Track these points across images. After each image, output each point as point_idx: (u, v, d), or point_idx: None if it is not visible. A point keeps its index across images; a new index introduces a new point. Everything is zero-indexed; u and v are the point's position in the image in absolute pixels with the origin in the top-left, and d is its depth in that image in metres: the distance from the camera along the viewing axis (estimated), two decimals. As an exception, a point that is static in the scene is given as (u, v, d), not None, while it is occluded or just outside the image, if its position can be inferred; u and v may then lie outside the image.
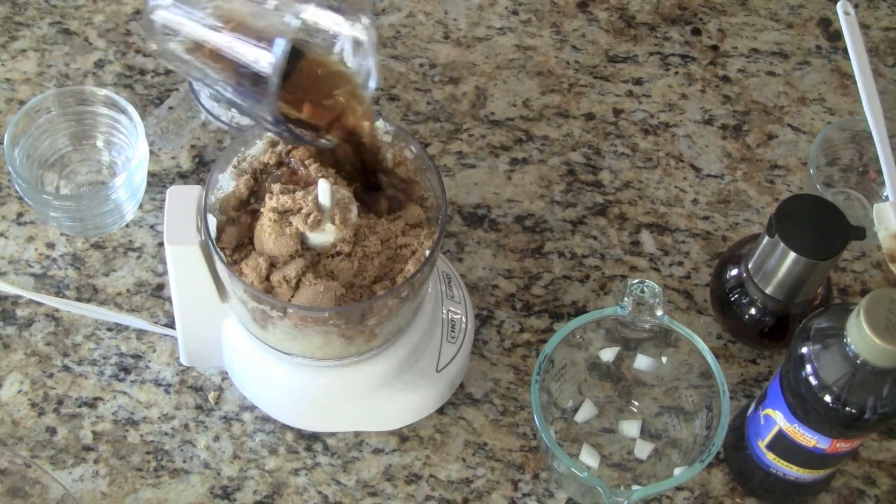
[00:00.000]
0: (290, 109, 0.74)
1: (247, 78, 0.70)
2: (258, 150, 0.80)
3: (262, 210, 0.76)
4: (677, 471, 0.79)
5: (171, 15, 0.71)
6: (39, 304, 0.91)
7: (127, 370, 0.89)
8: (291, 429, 0.87)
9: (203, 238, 0.76)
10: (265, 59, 0.68)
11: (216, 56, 0.71)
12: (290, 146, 0.79)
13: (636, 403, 0.88)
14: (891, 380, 0.71)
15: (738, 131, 1.04)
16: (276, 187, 0.76)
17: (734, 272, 0.90)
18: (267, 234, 0.74)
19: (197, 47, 0.71)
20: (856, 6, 1.09)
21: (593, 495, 0.82)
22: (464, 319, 0.88)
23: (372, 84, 0.76)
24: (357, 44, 0.75)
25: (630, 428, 0.87)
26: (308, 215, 0.74)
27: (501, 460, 0.87)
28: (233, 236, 0.76)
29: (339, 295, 0.74)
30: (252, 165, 0.79)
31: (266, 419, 0.88)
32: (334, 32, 0.75)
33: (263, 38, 0.69)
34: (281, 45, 0.68)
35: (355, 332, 0.77)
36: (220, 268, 0.76)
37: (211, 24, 0.70)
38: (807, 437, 0.77)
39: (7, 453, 0.81)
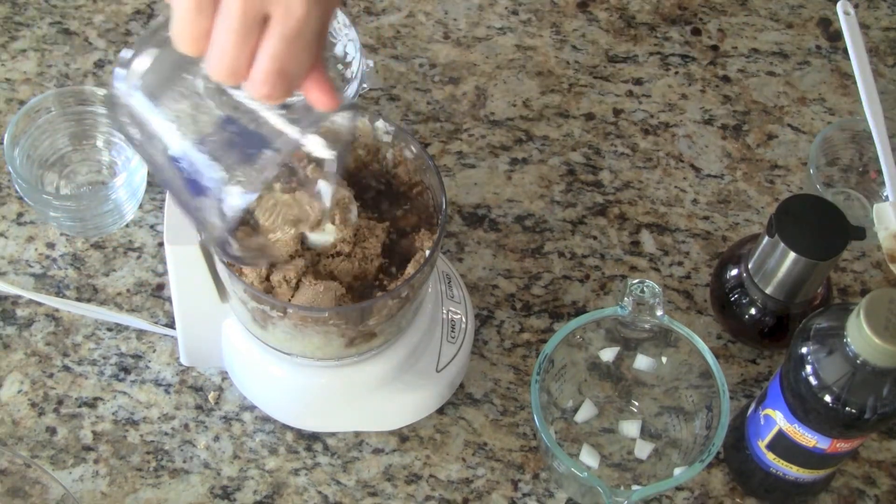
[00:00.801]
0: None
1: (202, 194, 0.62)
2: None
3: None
4: (677, 471, 0.79)
5: (139, 99, 0.61)
6: (39, 304, 0.91)
7: (127, 370, 0.89)
8: (291, 429, 0.87)
9: (203, 238, 0.76)
10: (231, 203, 0.61)
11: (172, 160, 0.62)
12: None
13: (636, 403, 0.88)
14: (891, 380, 0.71)
15: (738, 131, 1.04)
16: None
17: (734, 272, 0.90)
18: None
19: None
20: (856, 6, 1.09)
21: (593, 495, 0.82)
22: (464, 319, 0.88)
23: (327, 204, 0.72)
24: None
25: (630, 428, 0.87)
26: (308, 215, 0.74)
27: (501, 460, 0.87)
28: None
29: (339, 295, 0.74)
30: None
31: (266, 419, 0.87)
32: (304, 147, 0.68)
33: (237, 167, 0.61)
34: (250, 198, 0.62)
35: (355, 332, 0.77)
36: (220, 268, 0.76)
37: (180, 133, 0.61)
38: (807, 437, 0.77)
39: (7, 453, 0.81)
